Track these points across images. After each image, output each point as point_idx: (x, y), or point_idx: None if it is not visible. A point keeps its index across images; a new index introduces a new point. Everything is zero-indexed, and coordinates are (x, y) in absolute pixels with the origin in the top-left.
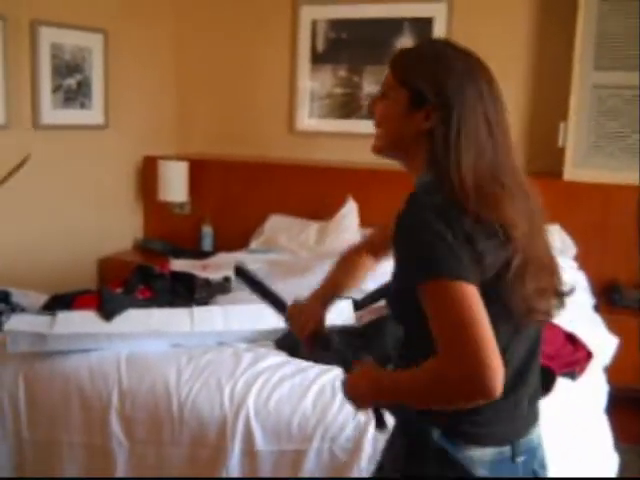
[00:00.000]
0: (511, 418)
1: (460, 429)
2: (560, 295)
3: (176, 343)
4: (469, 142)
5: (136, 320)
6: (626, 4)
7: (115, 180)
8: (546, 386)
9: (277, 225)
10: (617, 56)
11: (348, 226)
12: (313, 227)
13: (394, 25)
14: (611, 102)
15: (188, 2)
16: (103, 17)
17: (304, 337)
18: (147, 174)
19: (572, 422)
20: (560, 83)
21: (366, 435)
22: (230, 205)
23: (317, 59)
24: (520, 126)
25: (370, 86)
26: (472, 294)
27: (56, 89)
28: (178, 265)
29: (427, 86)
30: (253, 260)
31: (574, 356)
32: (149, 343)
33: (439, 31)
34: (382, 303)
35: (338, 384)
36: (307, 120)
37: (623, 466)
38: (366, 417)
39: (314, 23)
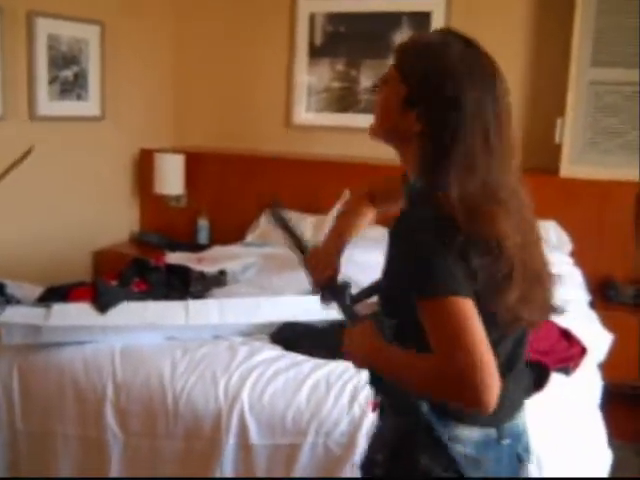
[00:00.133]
0: (498, 405)
1: (449, 407)
2: (548, 309)
3: (171, 336)
4: (459, 155)
5: (131, 313)
6: (623, 0)
7: (111, 172)
8: (540, 382)
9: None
10: (614, 52)
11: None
12: (309, 221)
13: (392, 19)
14: (608, 98)
15: None
16: (100, 9)
17: (321, 285)
18: (143, 167)
19: (566, 418)
20: (557, 79)
21: (360, 430)
22: (226, 198)
23: (315, 53)
24: (517, 122)
25: (368, 80)
26: (467, 308)
27: (52, 80)
28: (174, 258)
29: (421, 87)
30: (249, 253)
31: (568, 352)
32: (144, 336)
33: (437, 26)
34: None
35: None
36: (304, 114)
37: (617, 463)
38: (360, 411)
39: (312, 16)
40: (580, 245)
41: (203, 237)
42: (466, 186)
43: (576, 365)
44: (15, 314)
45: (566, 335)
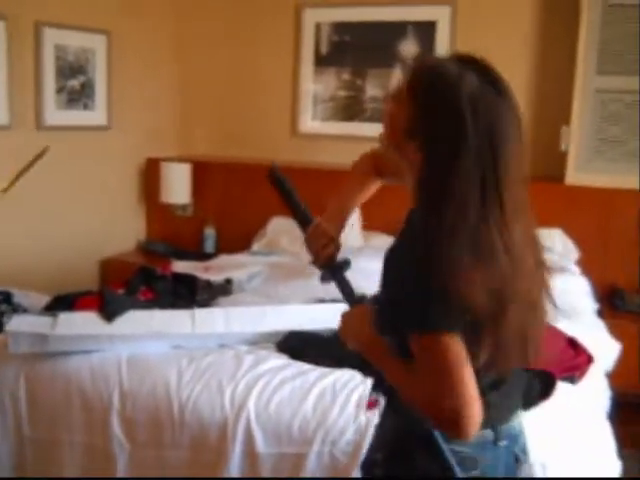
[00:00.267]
0: (494, 407)
1: None
2: (527, 361)
3: (177, 345)
4: (453, 202)
5: (137, 321)
6: (629, 9)
7: (118, 181)
8: (546, 390)
9: (279, 227)
10: (620, 61)
11: (350, 230)
12: None
13: (398, 28)
14: (613, 107)
15: (191, 4)
16: (106, 18)
17: (320, 263)
18: (150, 176)
19: (573, 427)
20: (563, 87)
21: (366, 439)
22: (232, 207)
23: (320, 62)
24: (522, 129)
25: (373, 89)
26: (454, 342)
27: (59, 90)
28: (180, 267)
29: (421, 120)
30: (255, 262)
31: (574, 361)
32: (150, 344)
33: (442, 35)
34: None
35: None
36: (310, 123)
37: (625, 472)
38: (366, 420)
39: (317, 26)
40: (586, 253)
41: (209, 246)
42: (456, 235)
43: (582, 374)
44: (22, 323)
45: (572, 344)
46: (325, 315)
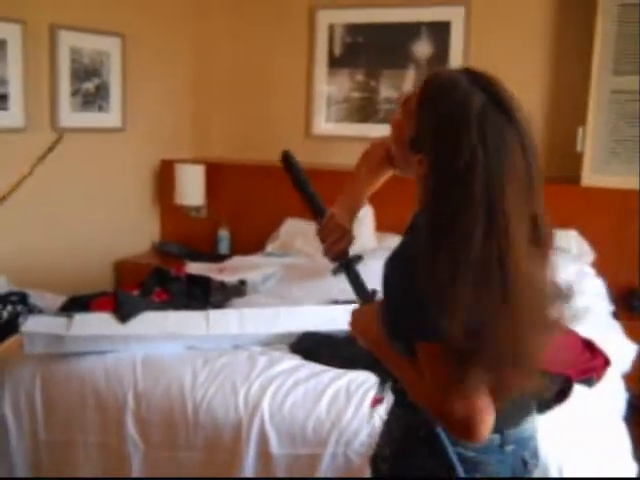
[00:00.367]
0: (502, 412)
1: None
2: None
3: (191, 346)
4: (449, 230)
5: (152, 322)
6: None
7: (132, 183)
8: (562, 393)
9: (293, 229)
10: (636, 61)
11: (364, 230)
12: None
13: (411, 29)
14: (630, 107)
15: (206, 7)
16: (121, 21)
17: (332, 257)
18: (164, 177)
19: (589, 429)
20: (579, 88)
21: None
22: (246, 209)
23: (334, 63)
24: (538, 131)
25: (387, 90)
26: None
27: (75, 93)
28: (194, 268)
29: (425, 136)
30: (269, 263)
31: (591, 363)
32: (165, 345)
33: (456, 36)
34: None
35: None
36: (324, 124)
37: None
38: (380, 421)
39: (331, 27)
40: (602, 255)
41: (224, 247)
42: (457, 257)
43: (599, 377)
44: (37, 324)
45: (589, 346)
46: (339, 316)
